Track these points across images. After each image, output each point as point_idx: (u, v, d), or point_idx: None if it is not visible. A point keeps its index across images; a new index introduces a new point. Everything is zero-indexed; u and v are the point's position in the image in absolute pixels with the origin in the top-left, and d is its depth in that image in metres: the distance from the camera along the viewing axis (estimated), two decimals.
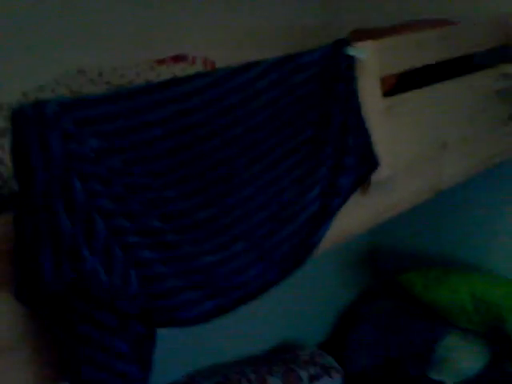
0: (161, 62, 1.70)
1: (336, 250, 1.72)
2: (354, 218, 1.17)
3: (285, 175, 1.01)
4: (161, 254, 0.83)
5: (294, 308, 2.14)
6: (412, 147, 1.29)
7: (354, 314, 2.29)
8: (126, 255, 0.78)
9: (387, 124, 1.19)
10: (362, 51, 1.10)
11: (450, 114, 1.40)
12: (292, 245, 1.01)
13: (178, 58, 1.72)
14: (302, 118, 1.04)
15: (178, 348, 1.62)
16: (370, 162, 1.12)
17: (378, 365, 2.01)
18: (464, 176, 1.44)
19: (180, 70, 1.65)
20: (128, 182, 0.81)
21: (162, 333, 0.83)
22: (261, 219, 0.97)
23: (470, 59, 1.54)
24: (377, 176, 1.15)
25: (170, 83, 0.88)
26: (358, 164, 1.10)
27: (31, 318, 0.75)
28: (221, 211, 0.93)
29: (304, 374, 1.85)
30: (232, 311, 0.91)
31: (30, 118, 0.71)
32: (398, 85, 1.33)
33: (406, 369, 1.93)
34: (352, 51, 1.09)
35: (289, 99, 1.02)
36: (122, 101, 0.83)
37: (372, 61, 1.15)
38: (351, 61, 1.10)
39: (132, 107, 0.84)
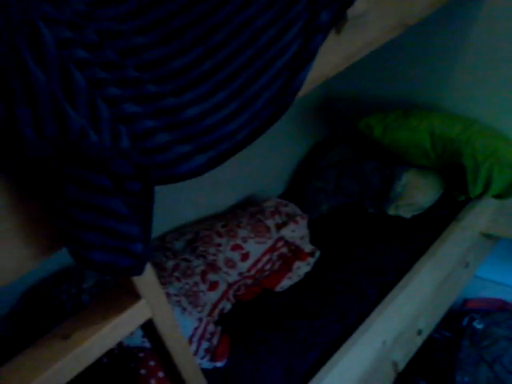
0: None
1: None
2: (329, 59, 1.11)
3: (259, 12, 0.92)
4: (145, 107, 0.76)
5: (255, 162, 2.14)
6: None
7: (312, 164, 2.32)
8: (111, 109, 0.70)
9: None
10: None
11: None
12: (275, 90, 0.95)
13: None
14: None
15: None
16: None
17: (337, 207, 2.09)
18: (431, 7, 1.38)
19: None
20: (98, 26, 0.70)
21: None
22: (238, 65, 0.89)
23: None
24: (352, 11, 1.08)
25: None
26: None
27: (14, 187, 0.68)
28: (195, 59, 0.84)
29: (271, 223, 1.91)
30: (223, 162, 0.87)
31: None
32: None
33: (365, 208, 2.02)
34: None
35: None
36: None
37: None
38: None
39: None
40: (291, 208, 2.04)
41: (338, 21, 1.07)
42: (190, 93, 0.83)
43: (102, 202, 0.69)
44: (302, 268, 1.75)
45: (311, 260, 1.79)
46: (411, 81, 2.04)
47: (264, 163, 2.21)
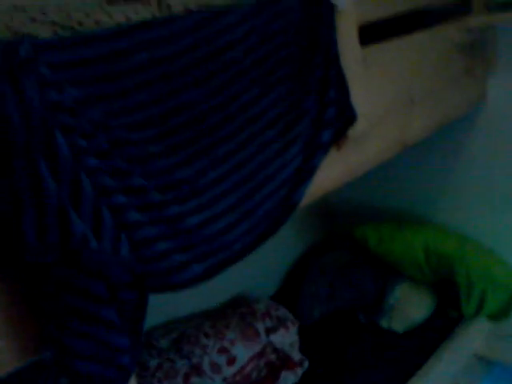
0: (111, 1, 1.56)
1: None
2: (329, 174, 1.15)
3: (266, 129, 0.96)
4: (148, 216, 0.77)
5: (247, 260, 2.12)
6: (384, 100, 1.27)
7: (306, 266, 2.31)
8: (114, 217, 0.71)
9: (364, 75, 1.16)
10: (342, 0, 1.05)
11: (417, 67, 1.38)
12: (275, 203, 0.97)
13: None
14: (283, 68, 0.99)
15: None
16: (349, 115, 1.09)
17: (329, 315, 2.05)
18: (429, 130, 1.44)
19: (132, 11, 1.52)
20: (110, 135, 0.73)
21: None
22: (241, 177, 0.92)
23: (421, 17, 1.52)
24: (353, 130, 1.12)
25: (150, 24, 0.79)
26: (337, 117, 1.07)
27: (2, 289, 0.66)
28: (201, 169, 0.87)
29: (261, 327, 1.86)
30: (220, 272, 0.86)
31: (1, 61, 0.60)
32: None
33: (357, 318, 1.99)
34: None
35: (267, 48, 0.95)
36: (101, 43, 0.74)
37: (350, 9, 1.10)
38: (331, 9, 1.05)
39: (112, 51, 0.75)
40: (282, 312, 2.00)
41: (339, 138, 1.11)
42: (192, 201, 0.84)
43: (96, 311, 0.68)
44: (288, 378, 1.68)
45: (299, 371, 1.72)
46: (408, 192, 2.08)
47: (257, 261, 2.19)
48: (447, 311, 1.90)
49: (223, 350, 1.71)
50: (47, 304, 0.66)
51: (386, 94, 1.27)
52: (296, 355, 1.79)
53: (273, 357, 1.77)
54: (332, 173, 1.17)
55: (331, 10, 1.04)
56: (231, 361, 1.69)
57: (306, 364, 1.75)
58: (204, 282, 0.84)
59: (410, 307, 1.89)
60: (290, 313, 2.00)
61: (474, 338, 1.89)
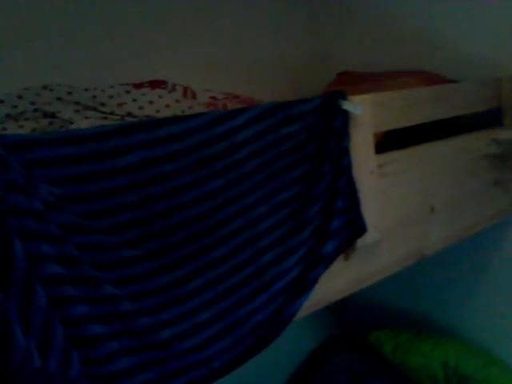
0: (138, 86, 1.59)
1: None
2: (334, 284, 1.07)
3: (265, 235, 0.91)
4: (113, 327, 0.71)
5: (256, 356, 2.01)
6: (399, 210, 1.21)
7: (317, 365, 2.18)
8: (68, 332, 0.65)
9: (378, 184, 1.11)
10: (358, 106, 1.02)
11: (438, 176, 1.32)
12: (266, 314, 0.90)
13: (156, 84, 1.62)
14: (289, 173, 0.95)
15: None
16: (358, 226, 1.03)
17: None
18: (449, 242, 1.36)
19: (156, 95, 1.55)
20: (82, 240, 0.69)
21: None
22: (231, 284, 0.86)
23: (456, 120, 1.49)
24: (363, 241, 1.06)
25: (140, 126, 0.77)
26: (344, 228, 1.01)
27: None
28: (187, 274, 0.81)
29: None
30: None
31: None
32: (384, 141, 1.26)
33: None
34: (348, 106, 1.01)
35: (275, 152, 0.93)
36: (85, 143, 0.72)
37: (367, 116, 1.07)
38: (345, 115, 1.02)
39: (95, 151, 0.73)
40: None
41: (345, 249, 1.05)
42: (170, 311, 0.78)
43: None
44: None
45: None
46: (427, 296, 1.97)
47: (263, 355, 2.08)
48: None
49: None
50: None
51: (402, 203, 1.21)
52: None
53: None
54: (338, 283, 1.09)
55: (346, 118, 1.01)
56: None
57: None
58: None
59: None
60: None
61: None
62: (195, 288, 0.81)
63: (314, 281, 0.96)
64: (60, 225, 0.66)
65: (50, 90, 1.47)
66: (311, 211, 0.96)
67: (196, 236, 0.82)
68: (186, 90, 1.67)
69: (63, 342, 0.63)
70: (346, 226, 1.01)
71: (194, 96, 1.66)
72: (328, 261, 0.98)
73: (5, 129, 1.27)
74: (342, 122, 1.01)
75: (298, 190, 0.96)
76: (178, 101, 1.61)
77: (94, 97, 1.51)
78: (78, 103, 1.47)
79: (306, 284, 0.94)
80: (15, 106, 1.40)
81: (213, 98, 1.67)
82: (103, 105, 1.50)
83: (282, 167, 0.94)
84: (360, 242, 1.06)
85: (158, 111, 1.50)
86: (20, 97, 1.42)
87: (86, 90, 1.51)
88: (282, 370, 2.23)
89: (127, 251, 0.75)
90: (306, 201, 0.96)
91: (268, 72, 2.07)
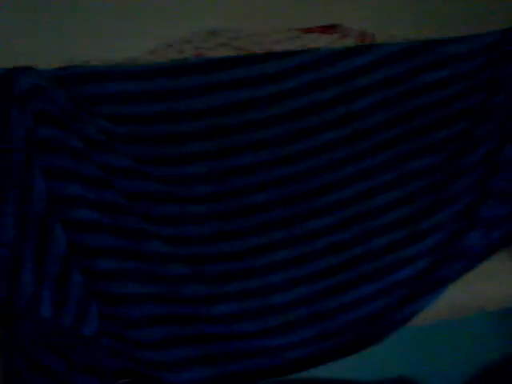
0: (308, 30, 1.45)
1: None
2: (493, 288, 0.82)
3: (383, 211, 0.71)
4: (153, 290, 0.63)
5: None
6: None
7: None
8: (92, 287, 0.59)
9: None
10: None
11: None
12: (372, 310, 0.71)
13: (328, 29, 1.46)
14: (428, 134, 0.72)
15: None
16: None
17: None
18: None
19: (326, 41, 1.40)
20: (133, 187, 0.62)
21: None
22: (328, 265, 0.71)
23: None
24: None
25: (220, 64, 0.64)
26: (508, 217, 0.74)
27: None
28: (267, 244, 0.70)
29: None
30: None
31: None
32: None
33: None
34: None
35: (409, 105, 0.71)
36: (158, 78, 0.63)
37: None
38: None
39: (169, 88, 0.63)
40: None
41: (510, 243, 0.78)
42: (233, 284, 0.67)
43: None
44: None
45: None
46: None
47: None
48: None
49: None
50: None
51: None
52: None
53: None
54: (499, 286, 0.83)
55: None
56: None
57: None
58: None
59: None
60: None
61: None
62: (276, 261, 0.68)
63: (450, 278, 0.73)
64: (105, 166, 0.59)
65: (215, 35, 1.43)
66: (456, 187, 0.72)
67: (288, 199, 0.68)
68: (363, 34, 1.47)
69: (81, 296, 0.57)
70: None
71: (371, 40, 1.46)
72: (473, 257, 0.73)
73: None
74: None
75: (439, 157, 0.73)
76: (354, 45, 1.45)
77: (258, 43, 1.43)
78: (239, 48, 1.41)
79: (435, 280, 0.72)
80: (181, 51, 1.41)
81: None
82: (267, 50, 1.41)
83: (418, 126, 0.72)
84: None
85: None
86: (186, 41, 1.42)
87: (252, 34, 1.44)
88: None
89: (193, 206, 0.65)
90: (449, 173, 0.72)
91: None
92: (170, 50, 1.38)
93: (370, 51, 0.69)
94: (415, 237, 0.72)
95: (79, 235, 0.59)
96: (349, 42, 1.44)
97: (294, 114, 0.67)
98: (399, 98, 0.70)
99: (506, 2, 1.64)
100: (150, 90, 0.63)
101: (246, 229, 0.67)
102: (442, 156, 0.73)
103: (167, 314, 0.64)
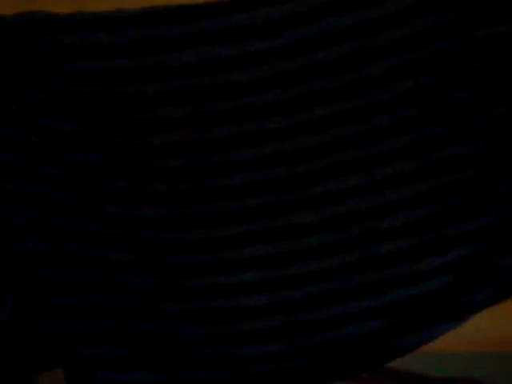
0: None
1: None
2: None
3: (395, 210, 0.57)
4: None
5: None
6: None
7: None
8: None
9: None
10: None
11: None
12: (358, 331, 0.58)
13: None
14: (471, 114, 0.55)
15: None
16: None
17: None
18: None
19: None
20: None
21: None
22: (303, 271, 0.57)
23: None
24: None
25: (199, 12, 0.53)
26: None
27: None
28: None
29: None
30: None
31: None
32: None
33: None
34: None
35: (451, 71, 0.54)
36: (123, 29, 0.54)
37: None
38: None
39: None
40: None
41: None
42: None
43: None
44: None
45: None
46: None
47: None
48: None
49: None
50: None
51: None
52: None
53: None
54: None
55: None
56: None
57: None
58: None
59: None
60: None
61: None
62: (250, 257, 0.57)
63: (473, 306, 0.57)
64: (46, 132, 0.51)
65: None
66: (491, 191, 0.55)
67: (273, 184, 0.56)
68: None
69: None
70: None
71: None
72: (506, 285, 0.56)
73: None
74: None
75: (476, 147, 0.56)
76: None
77: None
78: None
79: (454, 306, 0.57)
80: None
81: None
82: None
83: (454, 103, 0.55)
84: None
85: None
86: None
87: None
88: None
89: (152, 184, 0.55)
90: (487, 171, 0.55)
91: None
92: None
93: None
94: (433, 247, 0.57)
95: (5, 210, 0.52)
96: None
97: (286, 78, 0.54)
98: (430, 62, 0.54)
99: None
100: (117, 43, 0.54)
101: (215, 215, 0.56)
102: (479, 146, 0.56)
103: (105, 303, 0.55)
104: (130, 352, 0.55)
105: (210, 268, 0.55)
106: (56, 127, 0.52)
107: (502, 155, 0.55)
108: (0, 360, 0.52)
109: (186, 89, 0.54)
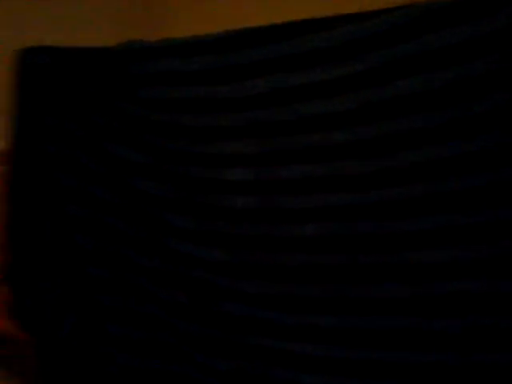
0: None
1: None
2: None
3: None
4: None
5: None
6: None
7: None
8: None
9: None
10: None
11: None
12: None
13: None
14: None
15: None
16: None
17: None
18: None
19: None
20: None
21: None
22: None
23: None
24: None
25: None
26: None
27: None
28: None
29: None
30: None
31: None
32: None
33: None
34: None
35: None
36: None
37: None
38: None
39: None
40: None
41: None
42: None
43: None
44: None
45: None
46: None
47: None
48: None
49: None
50: None
51: None
52: None
53: None
54: None
55: None
56: None
57: None
58: None
59: None
60: None
61: None
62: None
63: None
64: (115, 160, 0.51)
65: None
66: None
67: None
68: None
69: None
70: None
71: None
72: None
73: None
74: None
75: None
76: None
77: None
78: None
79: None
80: None
81: None
82: None
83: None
84: None
85: None
86: None
87: None
88: None
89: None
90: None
91: None
92: None
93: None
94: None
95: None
96: None
97: (368, 112, 0.45)
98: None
99: None
100: (191, 71, 0.49)
101: (280, 268, 0.50)
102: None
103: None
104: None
105: (271, 329, 0.49)
106: (123, 155, 0.50)
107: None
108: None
109: (257, 122, 0.48)
